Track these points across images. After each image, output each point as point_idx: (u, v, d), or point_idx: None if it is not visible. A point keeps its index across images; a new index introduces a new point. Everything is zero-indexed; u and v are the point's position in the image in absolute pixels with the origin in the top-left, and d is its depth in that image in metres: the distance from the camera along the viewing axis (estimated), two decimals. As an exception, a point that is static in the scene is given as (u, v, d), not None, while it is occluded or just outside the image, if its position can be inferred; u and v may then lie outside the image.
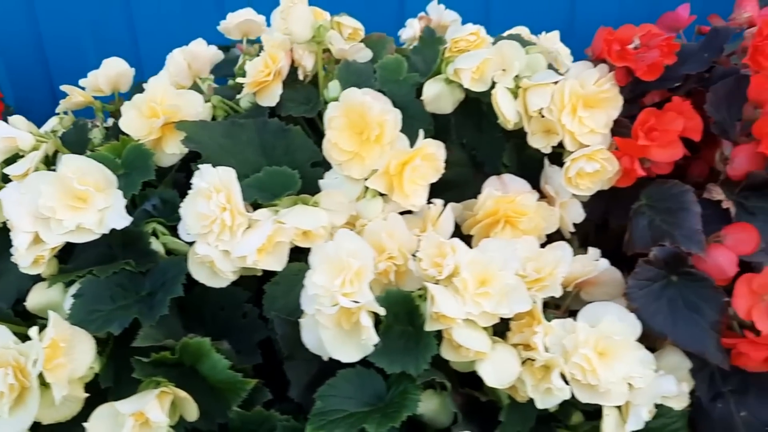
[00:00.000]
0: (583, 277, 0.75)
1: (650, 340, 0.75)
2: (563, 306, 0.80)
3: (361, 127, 0.74)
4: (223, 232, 0.66)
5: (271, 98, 0.84)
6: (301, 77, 0.88)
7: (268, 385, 0.71)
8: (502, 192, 0.78)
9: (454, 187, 0.87)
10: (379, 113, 0.72)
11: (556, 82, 0.78)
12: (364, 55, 0.88)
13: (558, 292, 0.71)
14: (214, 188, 0.66)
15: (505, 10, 1.56)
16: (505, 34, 1.24)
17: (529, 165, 0.86)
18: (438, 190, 0.86)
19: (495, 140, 0.85)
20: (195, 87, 0.94)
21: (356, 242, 0.64)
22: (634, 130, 0.79)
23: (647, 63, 0.78)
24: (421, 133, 0.75)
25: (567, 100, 0.77)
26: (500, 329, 0.72)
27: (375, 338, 0.62)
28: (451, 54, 0.81)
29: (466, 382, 0.72)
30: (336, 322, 0.63)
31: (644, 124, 0.78)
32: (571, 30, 1.63)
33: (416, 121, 0.85)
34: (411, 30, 1.30)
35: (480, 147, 0.87)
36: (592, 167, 0.77)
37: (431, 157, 0.75)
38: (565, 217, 0.81)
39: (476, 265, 0.67)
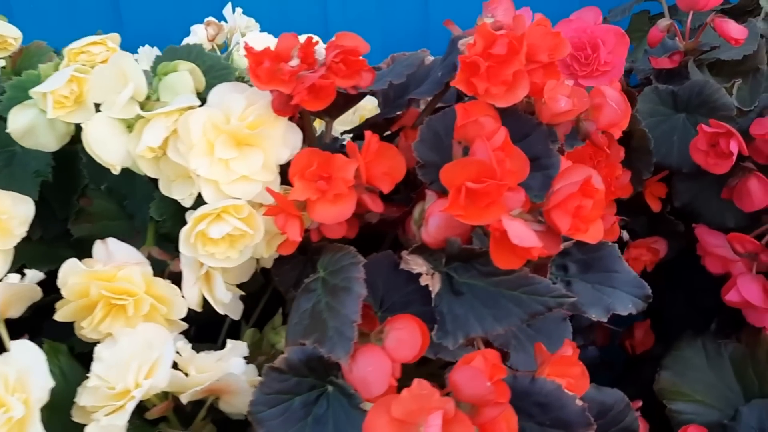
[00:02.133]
0: (204, 384, 0.54)
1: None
2: (195, 423, 0.58)
3: None
4: None
5: None
6: None
7: None
8: (106, 262, 0.57)
9: (104, 246, 0.66)
10: None
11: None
12: (-14, 71, 0.67)
13: (119, 429, 0.49)
14: None
15: (346, 15, 1.35)
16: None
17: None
18: (82, 251, 0.65)
19: (143, 186, 0.64)
20: None
21: None
22: (290, 178, 0.57)
23: (306, 86, 0.56)
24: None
25: (198, 136, 0.56)
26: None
27: None
28: (65, 72, 0.60)
29: None
30: None
31: (305, 169, 0.57)
32: (425, 37, 1.42)
33: (33, 161, 0.64)
34: (195, 37, 1.10)
35: (129, 195, 0.66)
36: (220, 231, 0.55)
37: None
38: (208, 295, 0.59)
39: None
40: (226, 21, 1.11)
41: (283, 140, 0.59)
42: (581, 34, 0.78)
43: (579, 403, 0.55)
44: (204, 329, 0.73)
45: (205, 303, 0.61)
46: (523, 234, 0.51)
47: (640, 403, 0.74)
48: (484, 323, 0.55)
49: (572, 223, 0.52)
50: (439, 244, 0.57)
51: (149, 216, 0.63)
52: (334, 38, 0.62)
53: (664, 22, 0.84)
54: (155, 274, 0.60)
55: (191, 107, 0.57)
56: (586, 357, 0.90)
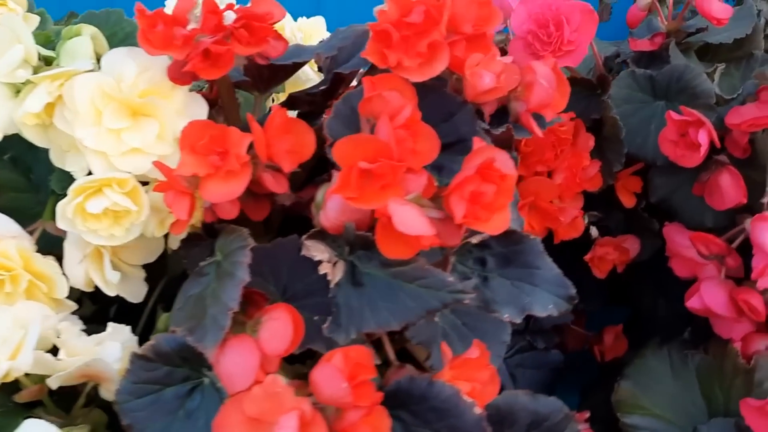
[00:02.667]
0: (70, 369, 0.50)
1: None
2: (75, 409, 0.55)
3: None
4: None
5: None
6: None
7: None
8: (-15, 235, 0.54)
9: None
10: None
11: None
12: None
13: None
14: None
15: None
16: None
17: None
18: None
19: (47, 157, 0.61)
20: None
21: None
22: (180, 151, 0.53)
23: (198, 52, 0.52)
24: None
25: (84, 103, 0.52)
26: None
27: None
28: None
29: None
30: None
31: (195, 142, 0.52)
32: None
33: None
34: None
35: (34, 166, 0.63)
36: (98, 205, 0.51)
37: None
38: (96, 275, 0.56)
39: None
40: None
41: (183, 111, 0.55)
42: (546, 9, 0.71)
43: (477, 411, 0.49)
44: (126, 311, 0.70)
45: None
46: (410, 220, 0.45)
47: (587, 414, 0.68)
48: (379, 318, 0.50)
49: (469, 210, 0.46)
50: (339, 230, 0.52)
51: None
52: (250, 4, 0.58)
53: (644, 0, 0.76)
54: (51, 251, 0.58)
55: (78, 72, 0.53)
56: (548, 361, 0.84)
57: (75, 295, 0.60)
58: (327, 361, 0.43)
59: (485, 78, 0.53)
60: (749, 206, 0.70)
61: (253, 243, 0.52)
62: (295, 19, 0.89)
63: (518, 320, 0.52)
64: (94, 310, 0.66)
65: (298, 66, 0.64)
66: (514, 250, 0.54)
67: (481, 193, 0.46)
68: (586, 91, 0.81)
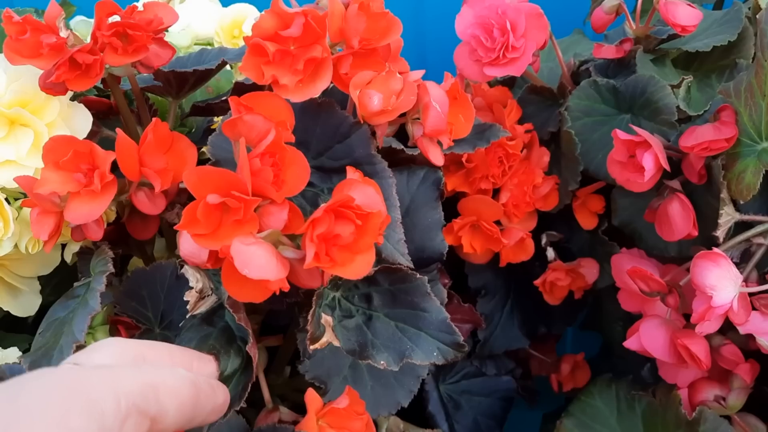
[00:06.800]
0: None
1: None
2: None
3: None
4: None
5: None
6: None
7: None
8: None
9: None
10: None
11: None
12: None
13: None
14: None
15: None
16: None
17: None
18: None
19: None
20: None
21: None
22: (44, 164, 0.50)
23: (62, 62, 0.48)
24: None
25: (-46, 114, 0.50)
26: None
27: None
28: None
29: None
30: None
31: (59, 158, 0.48)
32: (421, 37, 1.28)
33: None
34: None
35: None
36: (-43, 222, 0.49)
37: None
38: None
39: None
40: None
41: (63, 122, 0.52)
42: (492, 13, 0.65)
43: (332, 469, 0.45)
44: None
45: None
46: (254, 262, 0.41)
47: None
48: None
49: (323, 253, 0.41)
50: (195, 264, 0.48)
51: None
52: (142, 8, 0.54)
53: (610, 2, 0.69)
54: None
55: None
56: (498, 389, 0.79)
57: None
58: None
59: (373, 99, 0.48)
60: (709, 237, 0.62)
61: (111, 269, 0.49)
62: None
63: (395, 368, 0.47)
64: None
65: (210, 72, 0.61)
66: (401, 288, 0.49)
67: (336, 235, 0.41)
68: (548, 101, 0.75)
